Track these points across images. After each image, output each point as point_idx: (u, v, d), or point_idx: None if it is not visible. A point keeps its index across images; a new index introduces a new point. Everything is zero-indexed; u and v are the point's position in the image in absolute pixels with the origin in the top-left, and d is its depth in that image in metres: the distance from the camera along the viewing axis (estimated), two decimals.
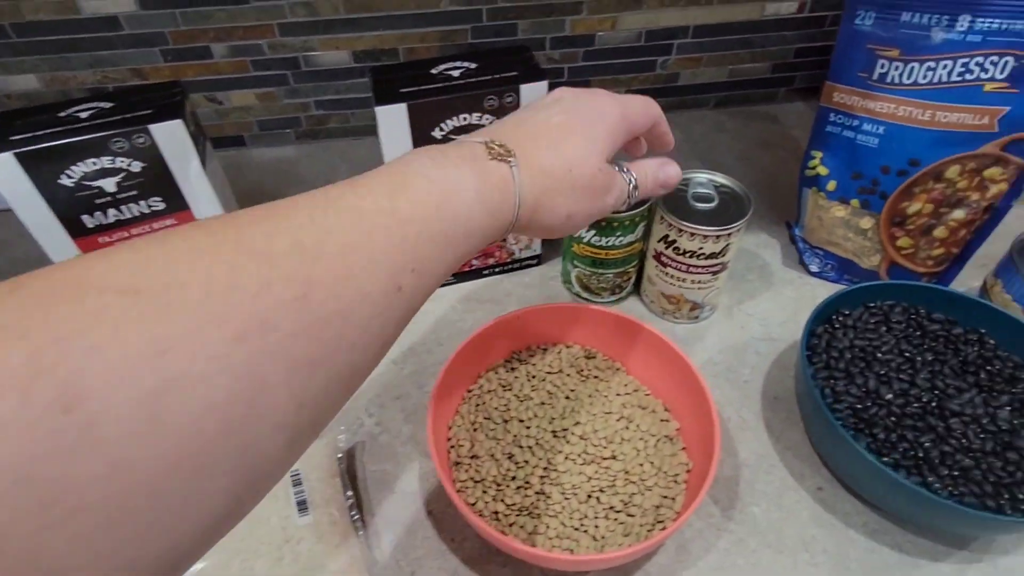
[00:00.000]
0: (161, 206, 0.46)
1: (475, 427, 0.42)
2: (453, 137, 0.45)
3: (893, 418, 0.42)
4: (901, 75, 0.45)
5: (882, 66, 0.45)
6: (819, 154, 0.52)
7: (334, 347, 0.21)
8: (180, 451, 0.17)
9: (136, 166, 0.43)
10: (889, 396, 0.43)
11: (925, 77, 0.44)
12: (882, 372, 0.44)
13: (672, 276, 0.50)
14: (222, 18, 0.63)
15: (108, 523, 0.16)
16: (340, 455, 0.43)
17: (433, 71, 0.45)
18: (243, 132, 0.73)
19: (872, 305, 0.48)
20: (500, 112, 0.45)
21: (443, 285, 0.56)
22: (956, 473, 0.39)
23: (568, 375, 0.45)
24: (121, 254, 0.18)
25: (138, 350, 0.16)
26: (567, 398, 0.43)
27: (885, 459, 0.40)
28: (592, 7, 0.66)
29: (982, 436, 0.40)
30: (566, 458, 0.40)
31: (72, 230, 0.45)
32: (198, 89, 0.68)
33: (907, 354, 0.45)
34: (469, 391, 0.45)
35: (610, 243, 0.48)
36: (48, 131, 0.41)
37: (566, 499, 0.38)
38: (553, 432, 0.41)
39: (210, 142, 0.51)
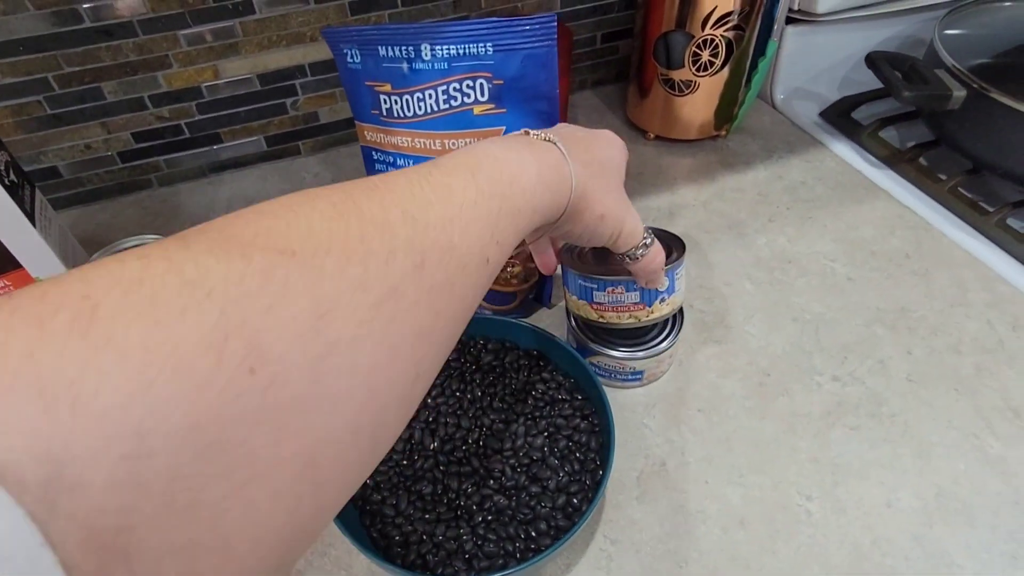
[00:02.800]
0: None
1: None
2: None
3: (440, 468, 0.40)
4: (402, 108, 0.43)
5: (384, 101, 0.44)
6: None
7: (441, 317, 0.21)
8: (333, 421, 0.17)
9: None
10: (434, 445, 0.41)
11: (420, 108, 0.43)
12: (430, 419, 0.42)
13: None
14: None
15: (273, 493, 0.16)
16: None
17: None
18: None
19: None
20: None
21: None
22: (490, 517, 0.38)
23: None
24: (264, 218, 0.18)
25: (305, 312, 0.16)
26: None
27: (427, 516, 0.38)
28: (181, 59, 0.61)
29: (518, 471, 0.39)
30: None
31: None
32: None
33: (458, 393, 0.43)
34: None
35: None
36: None
37: None
38: None
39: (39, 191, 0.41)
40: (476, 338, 0.46)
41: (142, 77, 0.61)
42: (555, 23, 0.39)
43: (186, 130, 0.66)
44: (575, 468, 0.38)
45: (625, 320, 0.44)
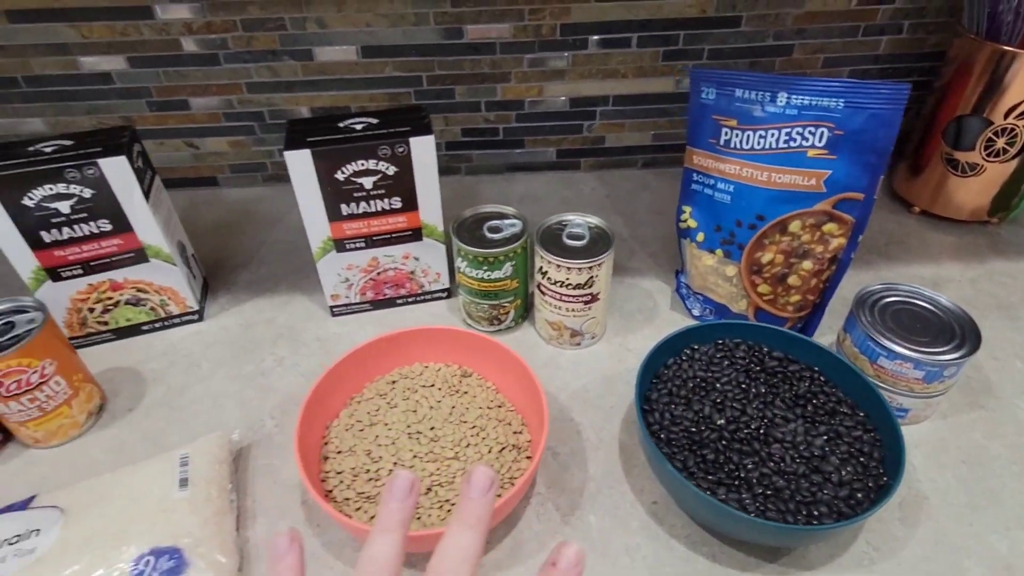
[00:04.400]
0: (108, 227, 0.54)
1: (348, 428, 0.48)
2: (355, 181, 0.54)
3: (724, 441, 0.46)
4: (740, 141, 0.52)
5: (725, 134, 0.52)
6: (688, 208, 0.58)
7: None
8: None
9: (87, 192, 0.52)
10: (721, 422, 0.47)
11: (759, 143, 0.51)
12: (719, 400, 0.49)
13: (550, 304, 0.56)
14: (198, 77, 0.74)
15: None
16: (233, 448, 0.49)
17: (340, 124, 0.54)
18: (216, 174, 0.83)
19: (721, 342, 0.53)
20: (395, 160, 0.53)
21: (359, 312, 0.63)
22: (769, 492, 0.43)
23: (439, 389, 0.51)
24: None
25: None
26: (431, 407, 0.49)
27: (711, 477, 0.45)
28: (519, 76, 0.75)
29: (796, 461, 0.45)
30: (414, 456, 0.45)
31: (32, 244, 0.53)
32: (177, 135, 0.79)
33: (743, 385, 0.49)
34: (352, 398, 0.51)
35: (481, 276, 0.55)
36: (14, 161, 0.50)
37: None
38: (409, 434, 0.47)
39: (159, 178, 0.59)
40: (761, 344, 0.52)
41: (486, 86, 0.76)
42: (907, 92, 0.45)
43: (501, 133, 0.80)
44: (858, 471, 0.43)
45: (900, 387, 0.49)
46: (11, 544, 0.41)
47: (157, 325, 0.62)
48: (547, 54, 0.74)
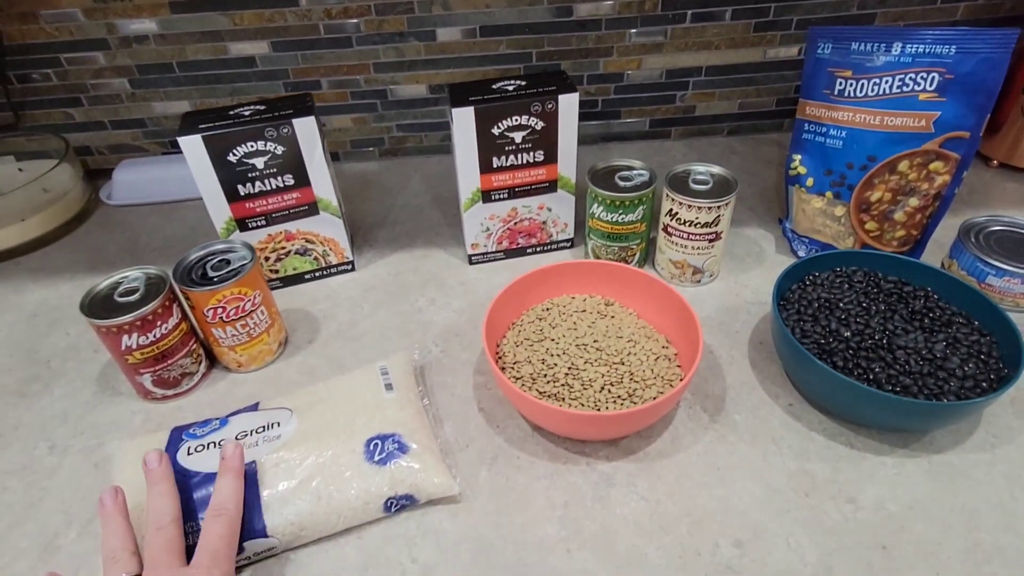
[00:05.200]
0: (291, 182, 0.62)
1: (517, 344, 0.55)
2: (509, 135, 0.61)
3: (851, 350, 0.53)
4: (855, 90, 0.58)
5: (840, 84, 0.59)
6: (798, 157, 0.65)
7: None
8: None
9: (279, 150, 0.60)
10: (847, 334, 0.54)
11: (873, 91, 0.57)
12: (843, 317, 0.55)
13: (676, 243, 0.63)
14: (331, 59, 0.82)
15: None
16: (416, 365, 0.57)
17: (494, 86, 0.61)
18: (338, 149, 0.91)
19: (839, 269, 0.59)
20: (544, 116, 0.60)
21: (494, 260, 0.70)
22: (898, 390, 0.50)
23: (591, 314, 0.58)
24: None
25: None
26: (589, 327, 0.56)
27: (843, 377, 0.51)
28: (621, 51, 0.82)
29: (920, 363, 0.51)
30: (585, 362, 0.52)
31: (229, 197, 0.61)
32: None
33: (863, 304, 0.56)
34: (513, 323, 0.58)
35: (615, 219, 0.62)
36: (223, 122, 0.58)
37: (584, 389, 0.50)
38: (576, 345, 0.54)
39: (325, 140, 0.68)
40: (876, 270, 0.58)
41: (590, 60, 0.83)
42: (1016, 36, 0.51)
43: (600, 105, 0.87)
44: (979, 367, 0.49)
45: (1007, 303, 0.54)
46: (259, 433, 0.49)
47: (318, 274, 0.70)
48: (648, 28, 0.81)
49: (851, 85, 0.58)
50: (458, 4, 0.78)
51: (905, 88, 0.56)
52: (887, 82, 0.56)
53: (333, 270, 0.70)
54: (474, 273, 0.70)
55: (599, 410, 0.49)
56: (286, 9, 0.78)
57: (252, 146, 0.59)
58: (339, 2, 0.77)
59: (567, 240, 0.71)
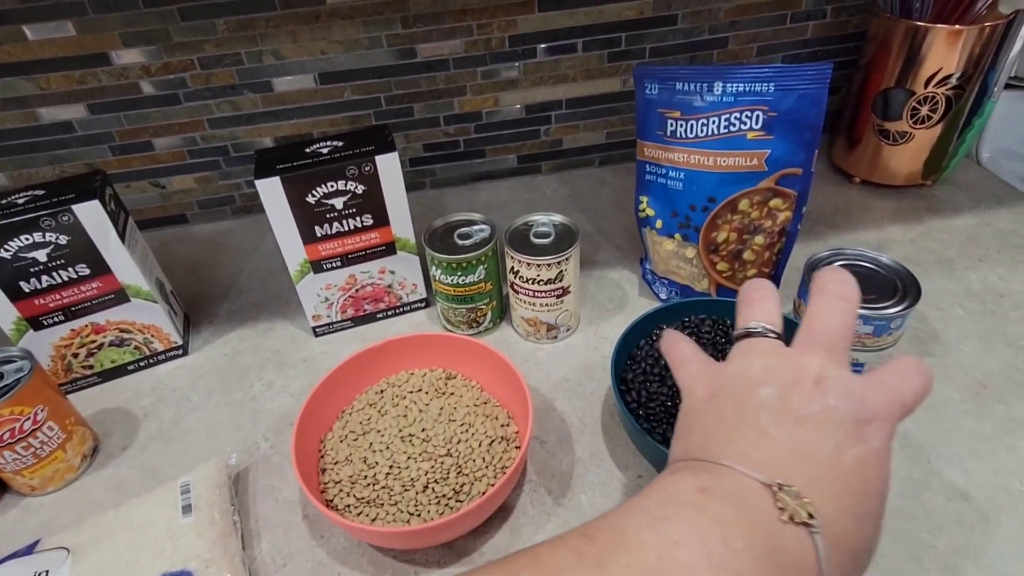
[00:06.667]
0: (87, 271, 0.55)
1: (341, 440, 0.50)
2: (326, 202, 0.56)
3: None
4: (685, 131, 0.55)
5: (671, 125, 0.56)
6: (645, 198, 0.62)
7: None
8: None
9: (63, 239, 0.53)
10: None
11: (702, 131, 0.54)
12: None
13: (524, 301, 0.59)
14: (159, 117, 0.75)
15: None
16: (230, 472, 0.50)
17: (307, 150, 0.56)
18: (186, 211, 0.84)
19: (687, 319, 0.56)
20: (363, 179, 0.55)
21: (343, 329, 0.65)
22: None
23: (426, 392, 0.53)
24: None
25: None
26: (420, 411, 0.51)
27: None
28: (474, 89, 0.78)
29: None
30: (408, 457, 0.47)
31: (11, 296, 0.54)
32: (143, 176, 0.80)
33: (714, 357, 0.53)
34: (343, 411, 0.53)
35: (455, 281, 0.57)
36: None
37: (404, 491, 0.45)
38: (401, 438, 0.49)
39: (132, 218, 0.61)
40: (724, 317, 0.55)
41: (443, 101, 0.79)
42: (830, 70, 0.49)
43: (462, 145, 0.83)
44: None
45: (853, 343, 0.52)
46: None
47: (142, 364, 0.63)
48: (499, 65, 0.77)
49: (681, 126, 0.55)
50: (290, 52, 0.73)
51: (732, 128, 0.53)
52: (714, 122, 0.54)
53: (161, 357, 0.63)
54: (319, 347, 0.64)
55: (419, 515, 0.44)
56: (97, 69, 0.70)
57: (27, 239, 0.52)
58: (156, 58, 0.71)
59: (420, 300, 0.67)
